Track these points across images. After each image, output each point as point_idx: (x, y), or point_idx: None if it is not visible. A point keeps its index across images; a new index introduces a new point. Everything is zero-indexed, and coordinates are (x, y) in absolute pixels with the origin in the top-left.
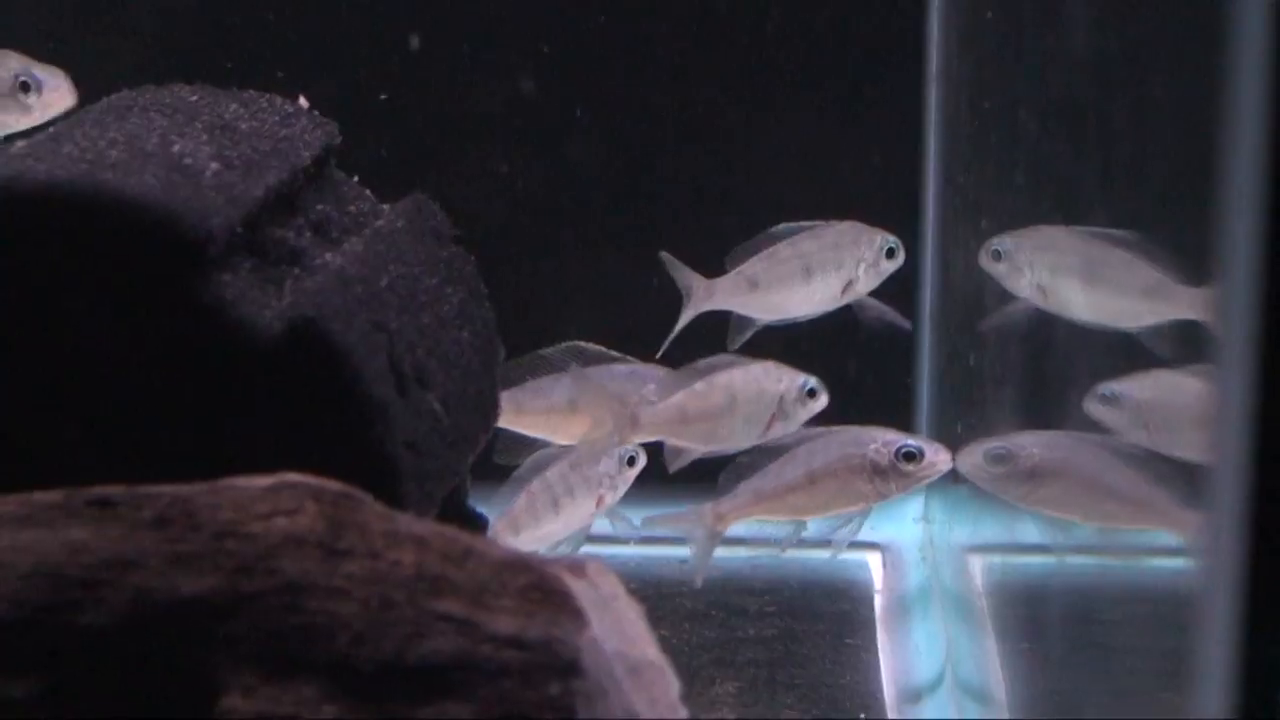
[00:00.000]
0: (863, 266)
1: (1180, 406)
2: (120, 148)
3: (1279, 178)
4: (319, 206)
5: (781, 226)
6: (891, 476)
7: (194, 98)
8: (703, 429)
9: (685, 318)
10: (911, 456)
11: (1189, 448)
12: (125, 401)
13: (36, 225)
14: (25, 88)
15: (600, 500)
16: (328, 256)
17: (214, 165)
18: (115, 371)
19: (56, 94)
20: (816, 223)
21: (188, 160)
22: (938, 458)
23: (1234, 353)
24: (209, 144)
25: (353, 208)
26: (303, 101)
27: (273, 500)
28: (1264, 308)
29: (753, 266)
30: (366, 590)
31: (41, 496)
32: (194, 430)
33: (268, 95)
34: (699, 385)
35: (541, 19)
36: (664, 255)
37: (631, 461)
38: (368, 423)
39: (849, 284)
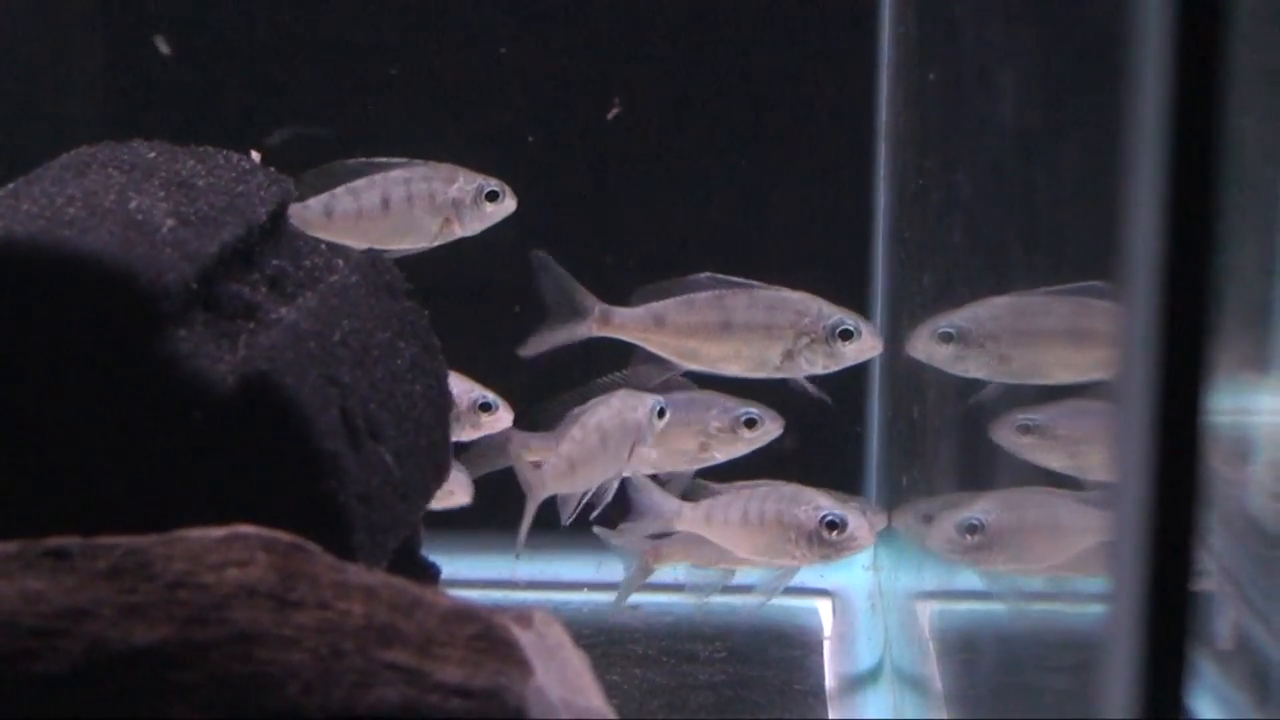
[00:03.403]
0: (804, 340)
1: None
2: (78, 204)
3: (1172, 243)
4: (274, 261)
5: (704, 275)
6: (815, 544)
7: (151, 154)
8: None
9: (574, 336)
10: (834, 526)
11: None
12: (81, 453)
13: None
14: (493, 196)
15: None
16: (282, 311)
17: (170, 221)
18: (71, 424)
19: (510, 201)
20: (753, 281)
21: (144, 216)
22: (860, 532)
23: (1132, 404)
24: (166, 200)
25: (308, 262)
26: (255, 157)
27: (225, 551)
28: (1161, 368)
29: (664, 305)
30: (317, 640)
31: None
32: (149, 482)
33: (224, 152)
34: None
35: (506, 70)
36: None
37: (661, 413)
38: (320, 475)
39: (788, 354)
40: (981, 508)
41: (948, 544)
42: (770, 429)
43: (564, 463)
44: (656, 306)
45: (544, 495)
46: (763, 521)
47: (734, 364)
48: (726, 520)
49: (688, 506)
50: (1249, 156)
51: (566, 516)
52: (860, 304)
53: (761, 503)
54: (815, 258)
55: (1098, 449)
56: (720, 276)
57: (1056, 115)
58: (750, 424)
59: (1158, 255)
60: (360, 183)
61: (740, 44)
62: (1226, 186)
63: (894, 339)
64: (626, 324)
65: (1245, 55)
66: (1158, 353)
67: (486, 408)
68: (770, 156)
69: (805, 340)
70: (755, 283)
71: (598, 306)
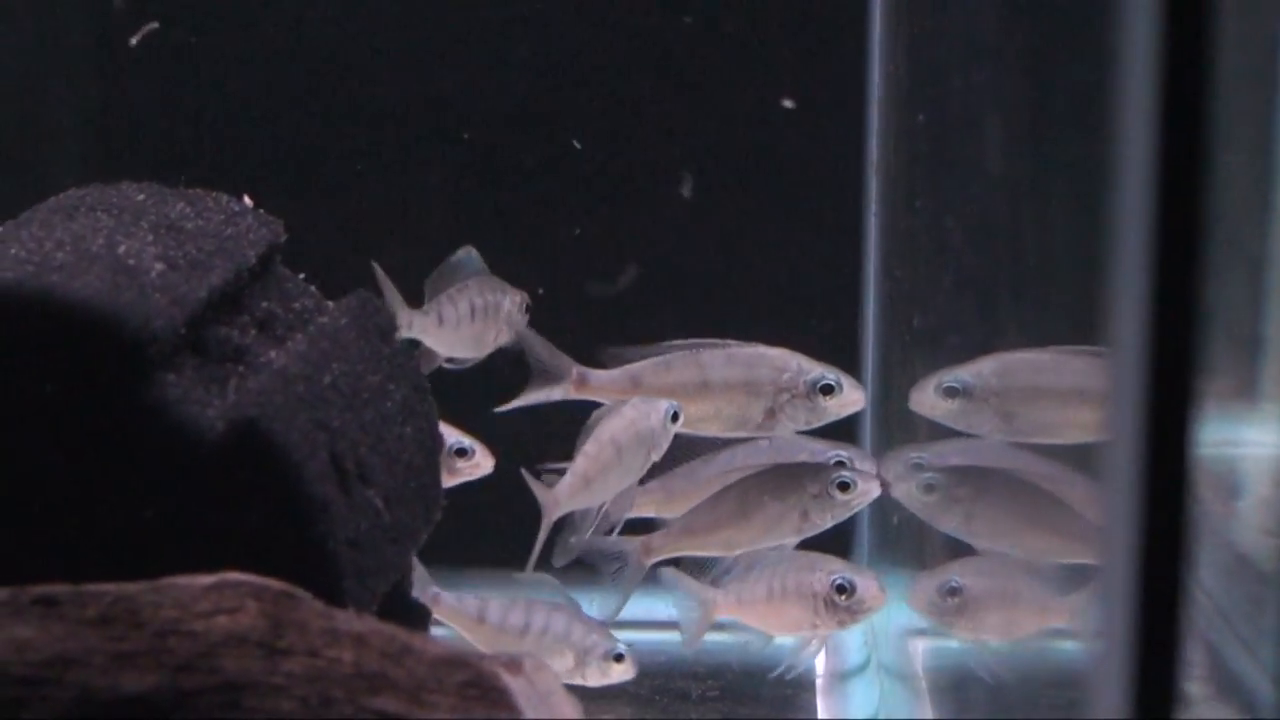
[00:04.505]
0: (785, 396)
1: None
2: (66, 249)
3: (1159, 280)
4: (264, 304)
5: (675, 343)
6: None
7: (140, 197)
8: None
9: (551, 397)
10: (843, 590)
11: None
12: (69, 500)
13: None
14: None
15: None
16: (272, 354)
17: (159, 266)
18: (60, 471)
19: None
20: (730, 340)
21: (132, 261)
22: (869, 594)
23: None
24: (154, 244)
25: (297, 304)
26: (247, 201)
27: (214, 598)
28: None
29: (641, 366)
30: (306, 688)
31: None
32: (137, 528)
33: (214, 194)
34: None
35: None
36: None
37: (675, 418)
38: (309, 521)
39: (770, 411)
40: (959, 570)
41: (928, 606)
42: (868, 489)
43: (579, 479)
44: (633, 368)
45: (559, 514)
46: (784, 594)
47: (714, 423)
48: (754, 599)
49: (720, 593)
50: (1237, 189)
51: (586, 531)
52: (851, 342)
53: (783, 577)
54: (806, 298)
55: (990, 511)
56: (693, 342)
57: (1044, 155)
58: (844, 488)
59: (1145, 296)
60: (452, 291)
61: (730, 81)
62: (1214, 221)
63: (885, 376)
64: (604, 386)
65: (1230, 91)
66: (1146, 389)
67: (463, 453)
68: (761, 194)
69: (786, 396)
70: (730, 342)
71: (575, 369)
